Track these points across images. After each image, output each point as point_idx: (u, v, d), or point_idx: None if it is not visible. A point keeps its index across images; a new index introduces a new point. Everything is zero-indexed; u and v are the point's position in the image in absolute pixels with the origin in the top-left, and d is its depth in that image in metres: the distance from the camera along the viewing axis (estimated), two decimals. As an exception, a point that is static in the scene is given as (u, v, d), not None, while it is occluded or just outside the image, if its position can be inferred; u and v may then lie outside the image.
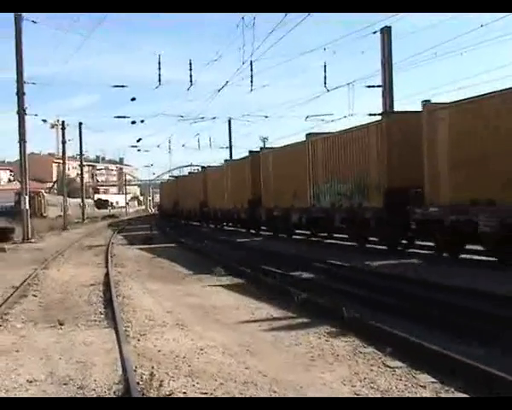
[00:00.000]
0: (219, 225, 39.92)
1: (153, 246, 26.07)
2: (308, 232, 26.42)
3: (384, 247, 19.25)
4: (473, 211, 14.84)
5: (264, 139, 76.84)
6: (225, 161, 43.41)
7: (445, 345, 6.80)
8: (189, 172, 62.82)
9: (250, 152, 34.27)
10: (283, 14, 19.68)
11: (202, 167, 51.77)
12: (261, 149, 33.88)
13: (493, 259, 15.02)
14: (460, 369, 6.08)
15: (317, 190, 23.57)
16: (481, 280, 12.05)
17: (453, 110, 15.90)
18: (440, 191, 16.24)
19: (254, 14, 23.06)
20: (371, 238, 20.42)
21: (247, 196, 32.05)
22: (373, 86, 31.83)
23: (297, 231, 27.26)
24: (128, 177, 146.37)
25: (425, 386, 5.92)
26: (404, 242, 19.22)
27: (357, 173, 20.29)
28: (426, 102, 16.95)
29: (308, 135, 25.49)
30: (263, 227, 31.15)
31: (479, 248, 16.04)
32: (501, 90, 14.34)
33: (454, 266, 14.86)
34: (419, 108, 17.05)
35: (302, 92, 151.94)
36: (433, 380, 6.03)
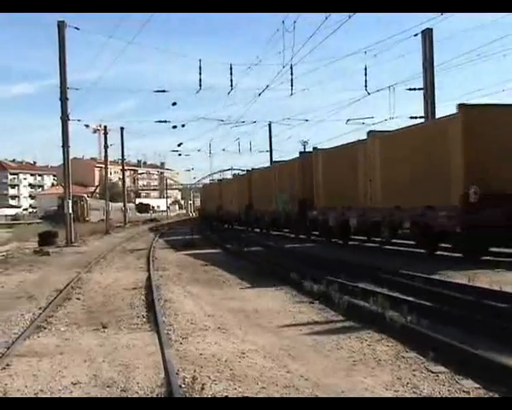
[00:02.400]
0: (230, 224, 49.79)
1: (193, 250, 26.25)
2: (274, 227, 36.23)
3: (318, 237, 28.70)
4: (328, 213, 25.77)
5: (305, 143, 76.57)
6: (233, 175, 54.75)
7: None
8: (210, 182, 72.60)
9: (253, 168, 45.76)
10: (323, 17, 19.67)
11: (219, 180, 63.59)
12: (252, 169, 45.95)
13: (353, 243, 24.75)
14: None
15: (277, 199, 33.95)
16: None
17: (324, 155, 27.24)
18: (320, 201, 27.04)
19: (295, 17, 23.10)
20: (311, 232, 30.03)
21: (245, 202, 42.33)
22: (414, 89, 31.49)
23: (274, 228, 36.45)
24: (169, 181, 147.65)
25: (469, 391, 5.86)
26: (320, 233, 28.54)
27: (291, 189, 31.34)
28: (315, 148, 28.77)
29: (273, 162, 41.40)
30: (255, 225, 40.81)
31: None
32: (335, 147, 26.90)
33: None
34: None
35: (343, 96, 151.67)
36: (477, 386, 5.96)
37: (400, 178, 19.84)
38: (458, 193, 16.77)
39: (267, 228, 36.91)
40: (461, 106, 17.13)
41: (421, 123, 20.10)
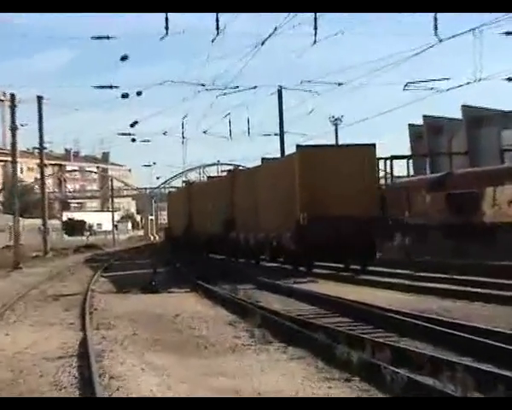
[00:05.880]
0: (176, 243, 64.14)
1: (156, 293, 26.38)
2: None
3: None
4: (240, 234, 42.18)
5: (336, 120, 75.12)
6: (174, 187, 76.45)
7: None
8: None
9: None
10: None
11: (168, 192, 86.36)
12: (192, 182, 68.45)
13: (270, 264, 38.77)
14: None
15: (210, 221, 49.36)
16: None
17: (241, 175, 48.50)
18: (239, 224, 42.60)
19: None
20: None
21: (185, 222, 58.10)
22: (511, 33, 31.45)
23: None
24: (117, 183, 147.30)
25: None
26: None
27: (219, 212, 46.39)
28: (234, 169, 51.70)
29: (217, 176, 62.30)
30: (194, 250, 55.33)
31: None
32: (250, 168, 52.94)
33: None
34: None
35: (397, 46, 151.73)
36: None
37: (274, 207, 35.87)
38: (296, 218, 31.68)
39: (207, 249, 52.12)
40: (298, 146, 35.27)
41: (282, 158, 39.34)
